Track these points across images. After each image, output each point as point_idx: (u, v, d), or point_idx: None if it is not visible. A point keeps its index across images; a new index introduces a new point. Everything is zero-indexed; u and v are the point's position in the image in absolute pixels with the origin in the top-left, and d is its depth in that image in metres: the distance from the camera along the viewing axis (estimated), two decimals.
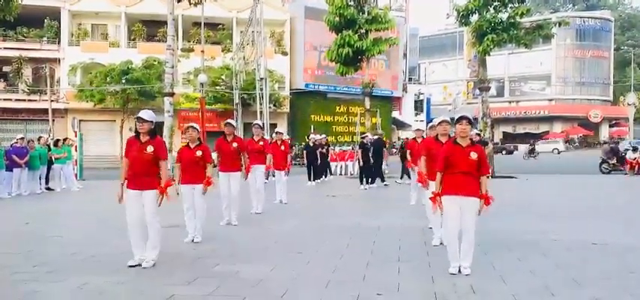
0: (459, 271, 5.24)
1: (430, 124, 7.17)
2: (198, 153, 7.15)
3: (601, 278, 5.14)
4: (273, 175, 12.18)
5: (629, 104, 52.35)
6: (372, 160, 16.09)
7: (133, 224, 5.76)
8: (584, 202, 12.32)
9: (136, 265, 5.70)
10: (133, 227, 5.77)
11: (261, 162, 10.10)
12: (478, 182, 5.33)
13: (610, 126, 61.45)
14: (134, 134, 5.90)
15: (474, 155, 5.24)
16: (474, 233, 5.28)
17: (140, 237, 5.77)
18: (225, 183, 8.54)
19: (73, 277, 5.31)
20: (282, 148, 12.11)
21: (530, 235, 7.40)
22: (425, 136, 8.59)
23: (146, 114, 5.79)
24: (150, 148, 5.72)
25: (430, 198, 5.71)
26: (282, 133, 13.45)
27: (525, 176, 19.84)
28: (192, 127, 7.30)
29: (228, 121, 8.97)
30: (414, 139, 9.58)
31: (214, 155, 8.33)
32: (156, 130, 5.92)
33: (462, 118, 5.33)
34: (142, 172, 5.72)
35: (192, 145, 7.24)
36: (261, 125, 10.74)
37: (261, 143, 10.12)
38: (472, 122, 5.39)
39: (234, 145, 8.58)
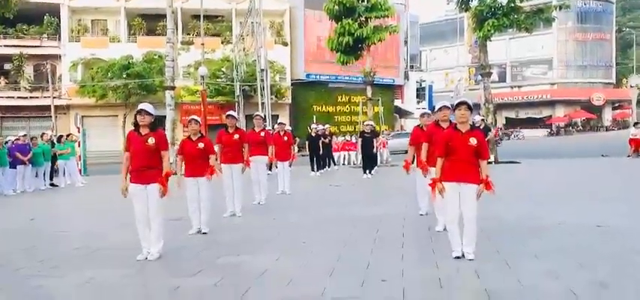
0: (463, 255, 5.25)
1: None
2: (200, 145, 7.16)
3: (605, 261, 5.13)
4: (276, 166, 12.19)
5: (631, 86, 52.23)
6: (374, 149, 16.15)
7: (139, 218, 5.77)
8: (587, 184, 12.31)
9: (144, 259, 5.72)
10: (139, 221, 5.78)
11: (263, 153, 10.10)
12: (478, 169, 5.34)
13: (613, 108, 61.23)
14: (133, 128, 5.90)
15: (473, 141, 5.25)
16: (475, 219, 5.29)
17: (146, 229, 5.79)
18: (227, 175, 8.56)
19: (78, 272, 5.33)
20: (285, 139, 12.13)
21: (533, 220, 7.40)
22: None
23: (147, 106, 5.81)
24: (151, 140, 5.72)
25: (429, 184, 5.74)
26: (285, 124, 13.46)
27: (528, 161, 19.81)
28: (194, 120, 7.30)
29: (230, 112, 8.99)
30: (419, 126, 8.85)
31: (216, 147, 8.34)
32: (156, 123, 5.92)
33: (460, 103, 5.34)
34: (145, 165, 5.72)
35: (194, 138, 7.24)
36: (263, 116, 10.75)
37: (262, 134, 10.12)
38: (471, 107, 5.39)
39: (236, 136, 8.61)
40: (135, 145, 5.78)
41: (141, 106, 5.84)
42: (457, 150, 5.26)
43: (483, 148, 5.35)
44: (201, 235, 7.07)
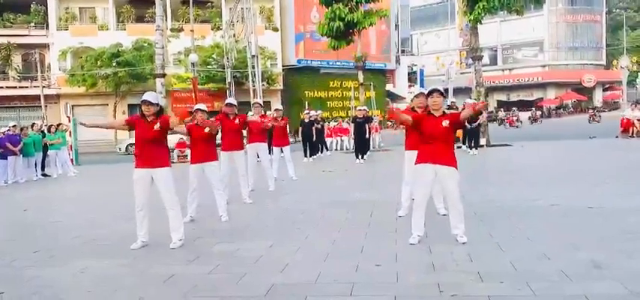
0: (456, 240, 5.30)
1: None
2: (206, 129, 7.12)
3: (598, 241, 5.20)
4: (271, 153, 12.14)
5: (621, 67, 52.41)
6: (367, 134, 16.22)
7: (139, 205, 5.76)
8: (579, 166, 12.40)
9: (139, 248, 5.73)
10: (139, 208, 5.76)
11: (263, 140, 10.09)
12: (453, 151, 5.43)
13: (604, 90, 61.52)
14: (139, 114, 5.84)
15: (445, 123, 5.33)
16: (459, 199, 5.34)
17: (144, 218, 5.78)
18: (227, 163, 8.54)
19: (74, 262, 5.33)
20: (282, 123, 12.07)
21: (526, 202, 7.47)
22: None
23: (152, 96, 5.77)
24: (157, 126, 5.67)
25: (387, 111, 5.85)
26: (281, 110, 13.40)
27: (520, 143, 19.92)
28: (200, 109, 7.11)
29: (229, 101, 8.88)
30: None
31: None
32: (162, 110, 5.93)
33: (433, 90, 5.42)
34: (151, 149, 5.70)
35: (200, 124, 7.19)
36: (262, 104, 10.73)
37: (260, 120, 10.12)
38: (443, 94, 5.48)
39: (237, 121, 8.55)
40: (141, 129, 5.70)
41: (145, 96, 5.75)
42: (431, 132, 5.34)
43: (455, 116, 5.50)
44: (223, 221, 7.06)
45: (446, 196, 5.38)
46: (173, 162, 12.56)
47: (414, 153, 5.71)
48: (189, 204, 7.19)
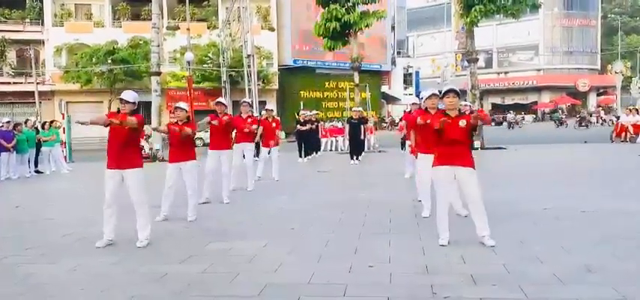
0: (483, 243, 5.24)
1: (421, 97, 7.19)
2: (182, 135, 7.13)
3: (590, 245, 5.22)
4: (262, 152, 12.15)
5: (616, 72, 52.63)
6: (362, 135, 16.25)
7: (107, 202, 5.77)
8: (572, 170, 12.45)
9: (104, 246, 5.72)
10: (107, 206, 5.77)
11: (250, 140, 10.08)
12: (470, 151, 5.42)
13: (598, 94, 61.77)
14: (116, 112, 5.85)
15: (462, 123, 5.30)
16: (481, 201, 5.30)
17: (111, 216, 5.78)
18: (214, 160, 8.53)
19: (66, 259, 5.31)
20: (273, 125, 12.08)
21: (519, 205, 7.49)
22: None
23: (129, 95, 5.77)
24: (131, 120, 5.66)
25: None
26: (272, 110, 13.41)
27: (514, 147, 19.99)
28: (179, 107, 7.25)
29: (219, 99, 8.99)
30: (410, 112, 9.42)
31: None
32: (138, 110, 5.91)
33: (449, 91, 5.40)
34: (122, 149, 5.69)
35: (180, 124, 7.22)
36: (250, 103, 10.72)
37: (249, 120, 10.07)
38: (459, 94, 5.45)
39: (225, 118, 8.60)
40: (114, 129, 5.72)
41: (123, 94, 5.81)
42: (448, 133, 5.31)
43: (469, 119, 5.45)
44: (189, 221, 7.05)
45: (467, 198, 5.32)
46: (165, 161, 12.48)
47: (427, 156, 5.72)
48: (163, 202, 7.17)
